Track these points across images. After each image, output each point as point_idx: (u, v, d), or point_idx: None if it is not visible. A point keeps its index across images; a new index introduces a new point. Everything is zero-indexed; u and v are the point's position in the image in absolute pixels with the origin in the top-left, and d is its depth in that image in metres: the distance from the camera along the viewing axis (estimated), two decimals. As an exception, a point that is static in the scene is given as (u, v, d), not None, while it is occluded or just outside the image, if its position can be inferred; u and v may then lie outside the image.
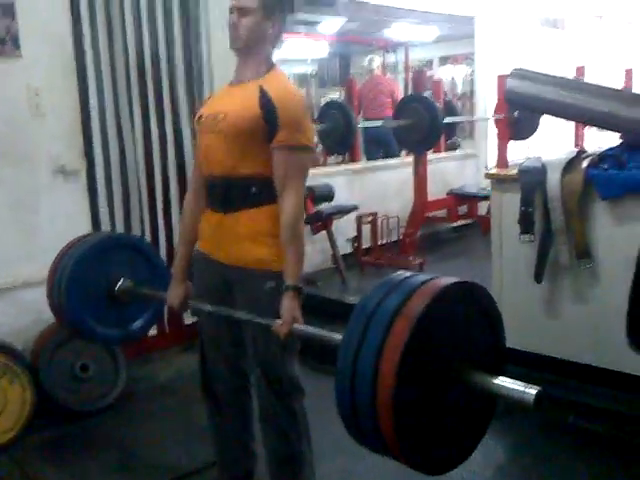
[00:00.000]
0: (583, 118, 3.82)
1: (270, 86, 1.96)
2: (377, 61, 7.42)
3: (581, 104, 3.33)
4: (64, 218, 3.42)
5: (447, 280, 1.54)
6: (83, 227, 3.47)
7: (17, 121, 3.24)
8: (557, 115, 3.67)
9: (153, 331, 3.64)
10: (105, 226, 3.54)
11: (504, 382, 1.49)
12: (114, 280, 2.50)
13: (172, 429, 2.99)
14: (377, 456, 2.69)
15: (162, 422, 3.10)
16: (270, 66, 2.05)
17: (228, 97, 2.08)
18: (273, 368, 2.07)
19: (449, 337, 1.53)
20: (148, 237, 3.69)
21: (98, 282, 2.50)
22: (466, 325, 1.59)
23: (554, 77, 3.73)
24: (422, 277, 1.59)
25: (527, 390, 1.43)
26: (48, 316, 3.31)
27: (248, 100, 1.96)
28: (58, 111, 3.37)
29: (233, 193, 2.00)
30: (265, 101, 1.93)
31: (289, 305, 1.91)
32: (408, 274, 1.63)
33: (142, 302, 2.59)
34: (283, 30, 2.08)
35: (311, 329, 1.91)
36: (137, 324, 2.62)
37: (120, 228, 3.59)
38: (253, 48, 2.02)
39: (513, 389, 1.46)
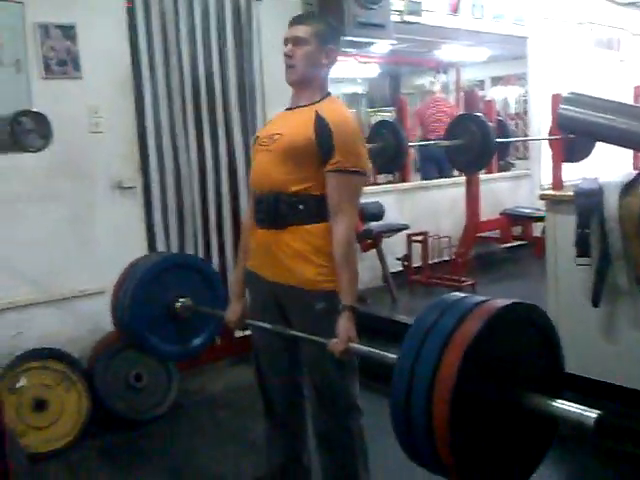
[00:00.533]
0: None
1: (326, 111, 2.01)
2: (438, 84, 7.55)
3: (636, 130, 3.24)
4: (120, 232, 3.52)
5: (503, 301, 1.52)
6: (138, 241, 3.57)
7: (77, 138, 3.37)
8: (611, 142, 3.59)
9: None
10: (160, 241, 3.61)
11: (563, 405, 1.45)
12: (175, 298, 2.60)
13: (222, 442, 3.01)
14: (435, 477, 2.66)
15: (212, 434, 3.12)
16: (325, 94, 2.11)
17: (284, 120, 2.14)
18: (328, 387, 2.07)
19: (506, 359, 1.51)
20: (201, 253, 3.75)
21: (160, 300, 2.61)
22: (523, 347, 1.56)
23: (608, 102, 3.64)
24: (477, 298, 1.58)
25: (586, 413, 1.40)
26: (104, 325, 3.42)
27: (303, 123, 2.01)
28: (116, 129, 3.49)
29: (281, 209, 2.03)
30: (321, 125, 1.97)
31: (345, 324, 1.93)
32: (463, 295, 1.62)
33: (201, 320, 2.66)
34: (336, 59, 2.13)
35: (365, 348, 1.92)
36: (196, 341, 2.71)
37: (174, 244, 3.66)
38: (308, 77, 2.08)
39: (572, 411, 1.43)
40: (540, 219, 4.83)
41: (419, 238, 4.96)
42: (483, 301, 1.54)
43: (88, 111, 3.38)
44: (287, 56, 2.06)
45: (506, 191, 6.12)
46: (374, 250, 4.69)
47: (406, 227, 4.87)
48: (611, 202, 2.81)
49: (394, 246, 4.94)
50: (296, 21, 2.11)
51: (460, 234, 5.28)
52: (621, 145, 3.74)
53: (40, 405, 3.03)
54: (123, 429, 3.14)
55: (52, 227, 3.31)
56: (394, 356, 1.66)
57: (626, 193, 2.82)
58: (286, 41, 2.08)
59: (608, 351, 2.95)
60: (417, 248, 4.98)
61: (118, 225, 3.52)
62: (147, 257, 2.82)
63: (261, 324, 2.19)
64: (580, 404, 3.16)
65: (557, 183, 3.51)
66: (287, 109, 2.16)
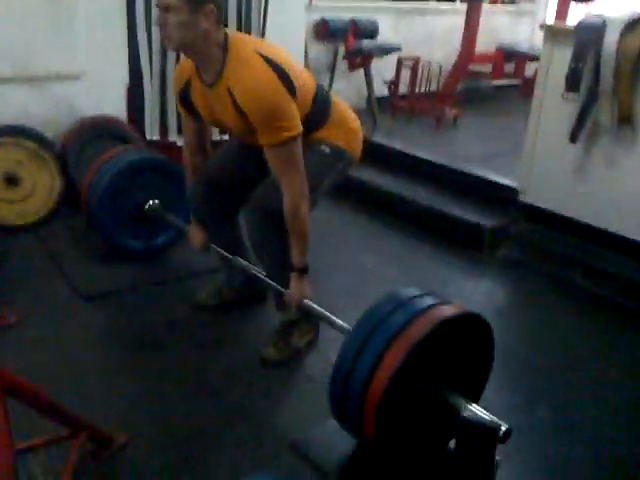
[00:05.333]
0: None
1: (236, 87, 1.86)
2: None
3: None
4: (100, 15, 3.34)
5: (451, 310, 1.63)
6: (118, 28, 3.40)
7: None
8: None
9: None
10: (141, 29, 3.44)
11: (476, 409, 1.58)
12: (144, 200, 2.74)
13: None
14: (380, 281, 2.81)
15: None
16: (225, 56, 1.88)
17: (211, 103, 2.00)
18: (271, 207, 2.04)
19: (442, 360, 1.64)
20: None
21: (129, 199, 2.73)
22: (460, 352, 1.68)
23: None
24: (429, 300, 1.67)
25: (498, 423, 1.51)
26: (79, 110, 3.37)
27: (227, 109, 1.91)
28: None
29: None
30: (238, 109, 1.87)
31: (296, 284, 2.03)
32: (419, 292, 1.71)
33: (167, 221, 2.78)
34: (221, 15, 1.87)
35: (319, 309, 2.01)
36: (160, 239, 2.89)
37: (156, 31, 3.47)
38: (195, 47, 1.87)
39: (483, 418, 1.54)
40: (535, 59, 4.69)
41: (410, 63, 4.80)
42: (434, 304, 1.64)
43: None
44: (161, 25, 1.84)
45: (505, 26, 5.87)
46: (362, 70, 4.55)
47: (398, 48, 4.69)
48: (612, 38, 2.73)
49: (383, 69, 4.79)
50: None
51: (452, 64, 5.12)
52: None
53: (12, 180, 3.06)
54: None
55: (28, 2, 3.11)
56: (345, 325, 1.82)
57: (628, 31, 2.72)
58: (158, 7, 1.84)
59: (578, 188, 3.01)
60: (406, 76, 4.83)
61: (97, 6, 3.31)
62: (123, 153, 2.82)
63: (224, 253, 2.32)
64: (544, 235, 3.28)
65: (561, 13, 3.35)
66: (203, 84, 1.97)
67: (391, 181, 3.68)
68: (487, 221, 3.17)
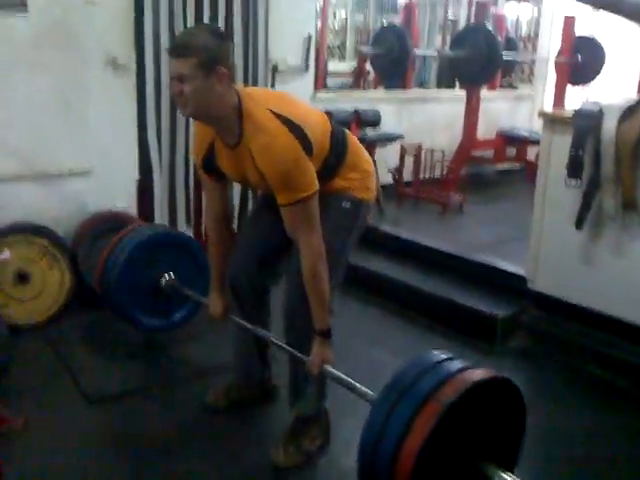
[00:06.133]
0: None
1: (256, 150, 1.90)
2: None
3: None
4: (111, 113, 3.45)
5: (482, 374, 1.57)
6: (129, 122, 3.50)
7: (71, 7, 3.22)
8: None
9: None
10: (150, 125, 3.54)
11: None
12: (160, 274, 2.73)
13: (201, 331, 2.99)
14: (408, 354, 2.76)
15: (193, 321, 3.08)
16: (240, 118, 1.92)
17: (235, 163, 2.03)
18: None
19: (473, 427, 1.56)
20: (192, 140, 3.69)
21: (146, 275, 2.73)
22: (491, 418, 1.60)
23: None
24: (458, 364, 1.61)
25: None
26: (89, 206, 3.42)
27: (251, 169, 1.95)
28: (112, 2, 3.34)
29: None
30: (259, 172, 1.93)
31: (318, 349, 2.02)
32: (445, 356, 1.66)
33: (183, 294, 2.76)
34: (231, 74, 1.91)
35: (342, 376, 1.96)
36: (177, 315, 2.88)
37: (165, 126, 3.59)
38: (212, 112, 1.92)
39: None
40: (536, 143, 4.78)
41: (413, 151, 4.88)
42: (462, 369, 1.58)
43: (84, -19, 3.21)
44: (176, 95, 1.89)
45: (505, 111, 6.02)
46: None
47: (401, 136, 4.79)
48: (609, 125, 2.78)
49: (387, 157, 4.88)
50: (174, 53, 1.87)
51: (454, 150, 5.22)
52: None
53: (22, 278, 3.07)
54: (104, 308, 3.17)
55: (40, 100, 3.22)
56: (370, 392, 1.77)
57: (625, 118, 2.78)
58: (171, 78, 1.90)
59: (586, 276, 2.99)
60: (410, 162, 4.91)
61: (109, 105, 3.44)
62: (138, 231, 2.88)
63: (243, 323, 2.28)
64: (551, 323, 3.21)
65: (558, 102, 3.43)
66: (225, 145, 2.01)
67: (399, 270, 3.67)
68: (498, 311, 3.12)
